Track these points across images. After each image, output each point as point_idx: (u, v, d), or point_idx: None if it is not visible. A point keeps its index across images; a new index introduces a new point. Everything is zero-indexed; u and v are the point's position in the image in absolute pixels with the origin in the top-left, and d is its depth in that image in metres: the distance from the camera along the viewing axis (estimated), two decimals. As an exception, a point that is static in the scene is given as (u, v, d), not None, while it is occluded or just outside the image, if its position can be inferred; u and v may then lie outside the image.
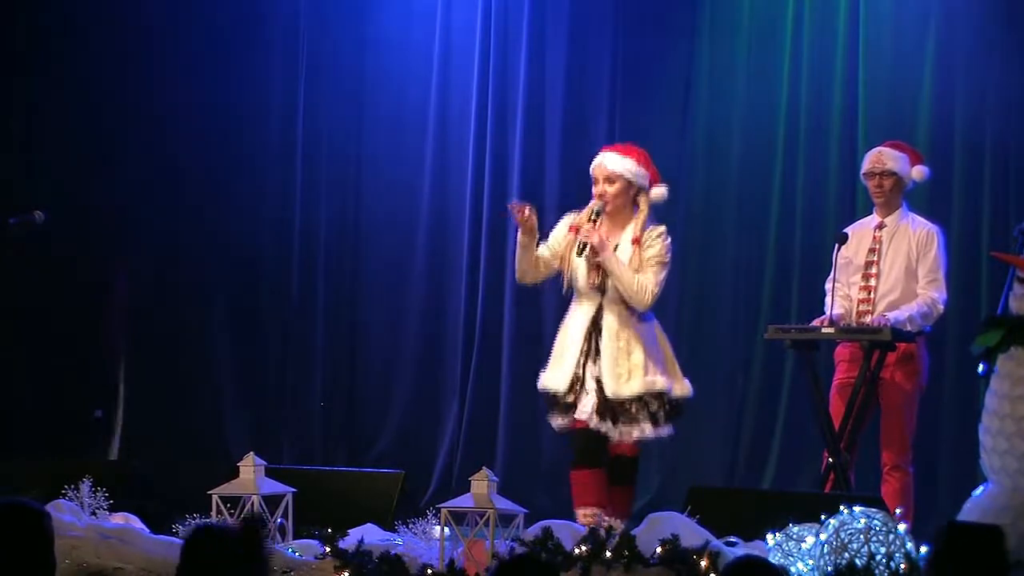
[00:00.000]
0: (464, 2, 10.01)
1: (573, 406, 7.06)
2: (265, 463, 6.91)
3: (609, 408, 7.00)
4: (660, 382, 7.00)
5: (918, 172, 7.84)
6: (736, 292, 9.47)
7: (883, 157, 7.81)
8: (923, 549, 5.60)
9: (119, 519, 6.91)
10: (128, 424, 9.92)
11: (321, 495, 7.16)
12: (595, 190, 7.16)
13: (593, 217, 7.12)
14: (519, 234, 7.12)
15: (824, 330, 7.60)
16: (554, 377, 7.14)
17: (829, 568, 5.58)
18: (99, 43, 9.86)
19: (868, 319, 7.65)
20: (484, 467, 6.53)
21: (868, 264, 7.79)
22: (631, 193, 7.15)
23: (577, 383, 7.06)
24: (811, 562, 5.68)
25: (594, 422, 7.00)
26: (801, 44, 9.34)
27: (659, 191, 7.18)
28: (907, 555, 5.56)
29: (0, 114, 9.79)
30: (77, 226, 9.63)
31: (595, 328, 7.09)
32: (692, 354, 9.50)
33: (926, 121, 9.03)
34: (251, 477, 6.83)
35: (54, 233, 8.93)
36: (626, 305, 7.07)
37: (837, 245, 7.82)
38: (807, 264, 9.11)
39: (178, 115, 9.91)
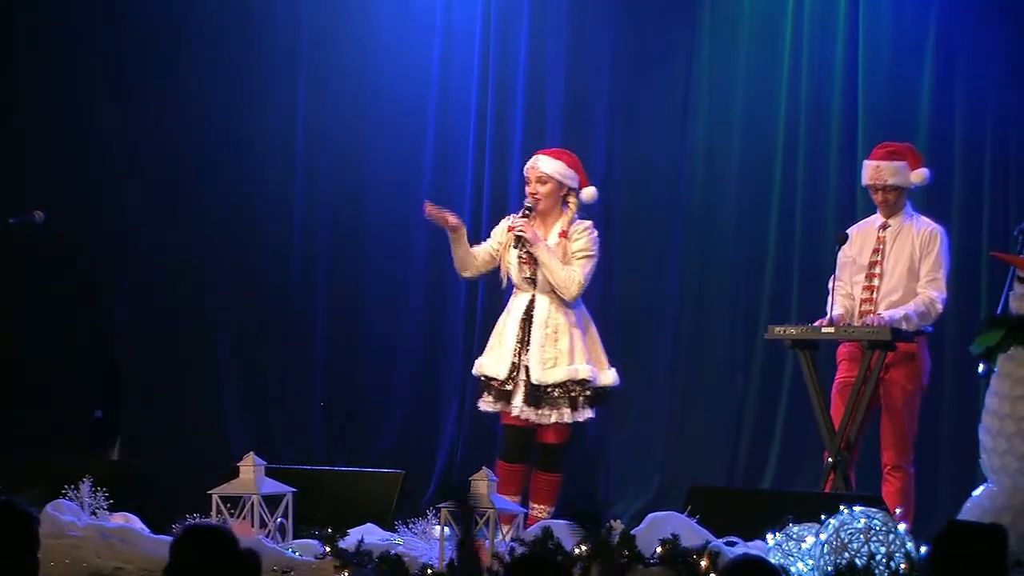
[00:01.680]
0: (464, 2, 10.01)
1: (511, 394, 7.57)
2: (265, 463, 6.91)
3: (534, 394, 7.48)
4: (584, 370, 7.55)
5: (918, 176, 7.83)
6: (736, 292, 9.46)
7: (882, 172, 7.80)
8: (923, 549, 5.60)
9: (119, 519, 6.91)
10: (128, 424, 9.90)
11: (321, 495, 7.17)
12: (527, 189, 7.77)
13: (525, 213, 7.73)
14: (448, 232, 7.80)
15: (824, 330, 7.60)
16: (491, 364, 7.72)
17: (829, 568, 5.58)
18: (100, 43, 9.85)
19: (870, 319, 7.65)
20: (484, 467, 6.54)
21: (872, 264, 7.79)
22: (561, 194, 7.76)
23: (515, 371, 7.58)
24: (811, 562, 5.69)
25: (523, 413, 7.51)
26: (801, 44, 9.33)
27: (589, 192, 7.84)
28: (907, 555, 5.56)
29: (1, 114, 9.78)
30: (77, 226, 9.62)
31: (528, 318, 7.64)
32: (692, 354, 9.52)
33: (926, 121, 9.02)
34: (251, 477, 6.83)
35: (54, 233, 8.93)
36: (557, 295, 7.59)
37: (839, 246, 7.82)
38: (807, 264, 9.11)
39: (178, 115, 9.89)
